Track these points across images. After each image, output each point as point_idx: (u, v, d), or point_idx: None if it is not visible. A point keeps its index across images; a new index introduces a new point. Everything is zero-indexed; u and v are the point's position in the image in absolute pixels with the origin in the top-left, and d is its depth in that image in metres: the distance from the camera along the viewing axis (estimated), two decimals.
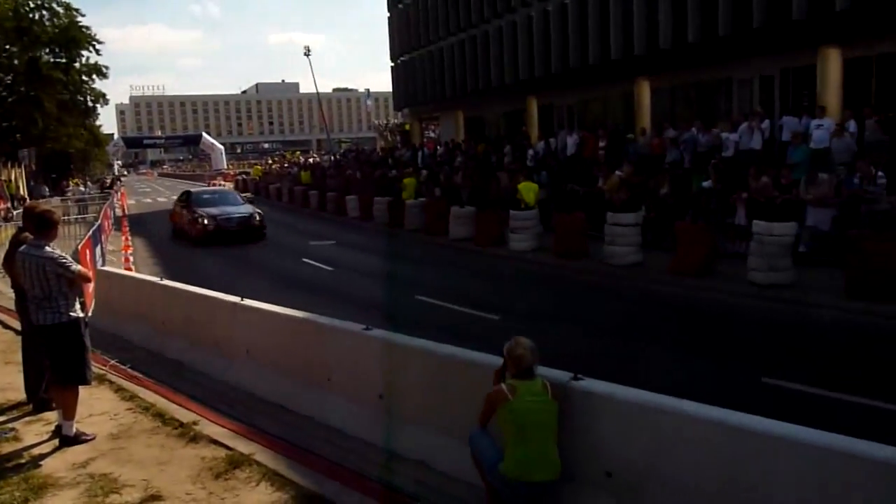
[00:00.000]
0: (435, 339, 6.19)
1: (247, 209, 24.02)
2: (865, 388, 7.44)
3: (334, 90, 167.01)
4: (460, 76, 39.77)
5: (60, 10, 50.39)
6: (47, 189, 44.32)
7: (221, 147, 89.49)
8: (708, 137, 18.79)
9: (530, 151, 24.81)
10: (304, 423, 6.63)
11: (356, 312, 10.11)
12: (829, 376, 7.99)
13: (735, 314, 11.44)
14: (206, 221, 22.72)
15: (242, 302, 8.10)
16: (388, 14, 49.43)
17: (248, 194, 37.93)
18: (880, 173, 13.36)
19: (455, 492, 5.14)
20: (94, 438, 6.30)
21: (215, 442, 6.13)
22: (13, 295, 7.75)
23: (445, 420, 5.51)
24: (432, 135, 46.18)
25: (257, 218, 23.32)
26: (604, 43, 27.94)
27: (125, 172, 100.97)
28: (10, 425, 6.72)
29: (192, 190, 28.85)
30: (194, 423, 6.57)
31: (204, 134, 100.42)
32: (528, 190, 17.96)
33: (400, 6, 47.14)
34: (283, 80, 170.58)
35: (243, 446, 5.99)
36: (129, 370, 8.56)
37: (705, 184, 15.35)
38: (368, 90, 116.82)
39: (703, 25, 23.19)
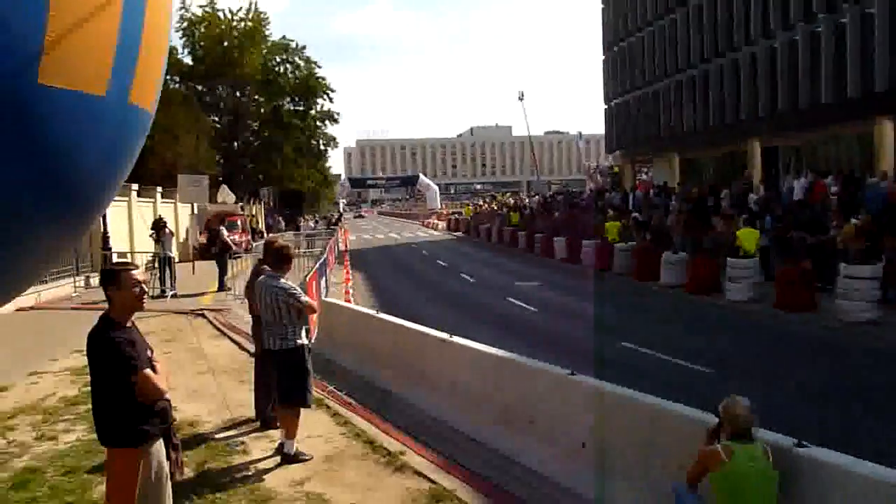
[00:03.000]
0: (640, 389, 5.97)
1: None
2: None
3: (546, 133, 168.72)
4: (676, 117, 38.64)
5: (301, 62, 56.08)
6: (283, 223, 48.85)
7: (436, 188, 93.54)
8: None
9: (752, 196, 23.40)
10: (503, 462, 6.64)
11: (559, 355, 9.98)
12: None
13: None
14: None
15: (451, 339, 8.33)
16: (602, 57, 49.39)
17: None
18: None
19: None
20: (311, 459, 6.72)
21: (419, 474, 6.31)
22: (250, 320, 8.58)
23: (650, 475, 5.26)
24: (644, 177, 45.11)
25: None
26: (838, 80, 25.86)
27: (348, 210, 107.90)
28: (240, 439, 7.38)
29: None
30: (401, 452, 6.81)
31: (421, 175, 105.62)
32: (748, 236, 16.93)
33: (615, 49, 46.92)
34: (496, 124, 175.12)
35: (446, 481, 6.10)
36: (343, 397, 9.07)
37: None
38: (580, 132, 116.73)
39: None
